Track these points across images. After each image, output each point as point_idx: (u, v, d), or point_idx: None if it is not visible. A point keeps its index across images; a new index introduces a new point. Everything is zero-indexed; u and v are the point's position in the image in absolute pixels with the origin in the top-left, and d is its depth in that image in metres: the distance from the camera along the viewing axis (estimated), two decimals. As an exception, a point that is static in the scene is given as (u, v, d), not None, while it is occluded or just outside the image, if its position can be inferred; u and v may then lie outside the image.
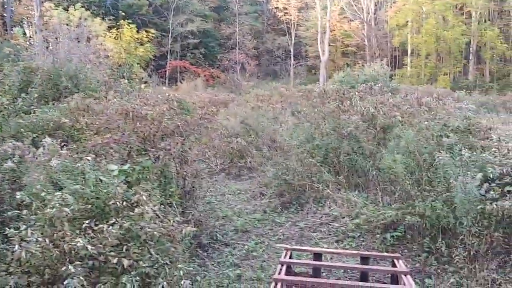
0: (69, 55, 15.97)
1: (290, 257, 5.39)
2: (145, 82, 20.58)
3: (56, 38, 16.31)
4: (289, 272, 5.25)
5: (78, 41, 17.79)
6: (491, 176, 4.63)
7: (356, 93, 8.38)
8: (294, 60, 47.71)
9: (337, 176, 7.78)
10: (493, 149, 4.90)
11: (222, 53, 48.24)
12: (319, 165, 8.06)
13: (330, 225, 6.94)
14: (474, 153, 5.12)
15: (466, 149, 5.27)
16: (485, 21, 42.04)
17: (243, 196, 9.32)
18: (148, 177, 5.24)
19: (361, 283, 4.56)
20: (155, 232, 4.07)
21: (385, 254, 5.43)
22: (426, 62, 42.14)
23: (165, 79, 42.01)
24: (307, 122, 9.60)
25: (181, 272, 3.92)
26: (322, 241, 6.53)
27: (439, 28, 39.96)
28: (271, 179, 8.62)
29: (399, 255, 5.31)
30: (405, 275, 4.63)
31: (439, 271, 5.41)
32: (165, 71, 42.81)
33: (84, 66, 16.23)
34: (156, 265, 3.92)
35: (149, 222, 4.24)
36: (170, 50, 45.75)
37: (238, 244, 6.56)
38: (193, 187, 6.39)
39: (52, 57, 14.91)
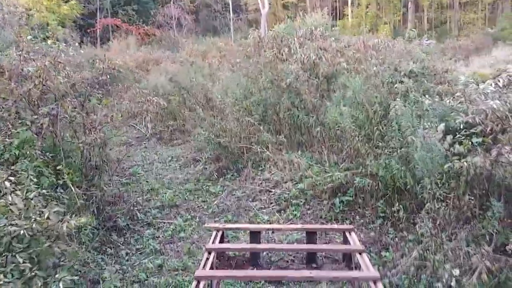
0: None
1: (222, 238, 4.43)
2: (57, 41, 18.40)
3: None
4: (221, 258, 4.30)
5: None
6: (457, 127, 3.80)
7: (295, 39, 7.34)
8: (234, 14, 45.68)
9: (278, 136, 6.81)
10: (458, 94, 4.07)
11: (156, 8, 45.28)
12: (257, 124, 7.04)
13: (271, 192, 6.02)
14: (436, 100, 4.26)
15: (425, 96, 4.41)
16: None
17: (175, 163, 8.20)
18: (29, 153, 4.01)
19: (306, 273, 3.67)
20: (22, 231, 2.93)
21: (335, 226, 4.58)
22: (367, 12, 41.67)
23: (96, 39, 38.99)
24: (243, 77, 8.50)
25: (61, 285, 2.83)
26: (262, 212, 5.61)
27: (378, -24, 39.32)
28: (204, 143, 7.52)
29: (351, 226, 4.48)
30: (360, 254, 3.81)
31: (397, 240, 4.66)
32: (95, 30, 39.65)
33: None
34: (23, 278, 2.80)
35: (19, 217, 3.10)
36: (100, 7, 42.32)
37: (164, 223, 5.51)
38: (104, 160, 5.18)
39: None
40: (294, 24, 10.20)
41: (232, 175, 6.94)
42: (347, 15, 44.44)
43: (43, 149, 4.25)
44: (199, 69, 11.83)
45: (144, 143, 10.15)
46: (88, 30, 40.48)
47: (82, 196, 4.41)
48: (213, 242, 4.18)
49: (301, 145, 6.86)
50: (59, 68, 4.74)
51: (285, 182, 6.02)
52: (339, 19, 45.17)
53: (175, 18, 39.81)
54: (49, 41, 7.78)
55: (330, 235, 4.95)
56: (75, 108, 4.47)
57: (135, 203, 6.02)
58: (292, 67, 6.70)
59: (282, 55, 7.18)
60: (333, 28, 10.79)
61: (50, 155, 4.16)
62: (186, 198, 6.34)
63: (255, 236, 4.38)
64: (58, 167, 4.36)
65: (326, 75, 6.78)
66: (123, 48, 30.86)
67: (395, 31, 39.26)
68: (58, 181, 4.13)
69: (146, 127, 11.17)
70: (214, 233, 4.33)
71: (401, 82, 5.30)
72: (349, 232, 4.33)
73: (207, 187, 6.68)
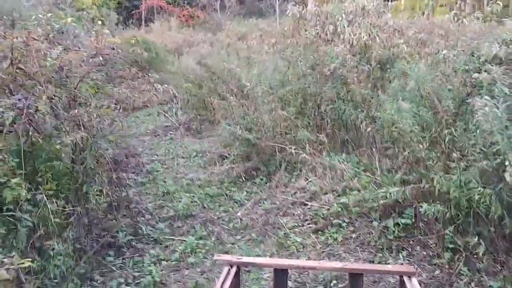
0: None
1: (237, 275, 3.35)
2: (102, 22, 17.83)
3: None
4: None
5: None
6: None
7: (343, 15, 6.05)
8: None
9: (318, 133, 5.62)
10: None
11: (201, -11, 44.44)
12: (293, 119, 5.88)
13: (307, 205, 4.87)
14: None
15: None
16: None
17: (199, 159, 7.20)
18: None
19: None
20: None
21: (388, 267, 3.37)
22: (422, -7, 38.93)
23: (141, 21, 38.81)
24: (281, 60, 7.32)
25: None
26: (295, 232, 4.48)
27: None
28: (229, 139, 6.46)
29: (412, 268, 3.28)
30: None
31: (473, 285, 3.43)
32: (140, 12, 39.46)
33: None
34: None
35: None
36: (146, -12, 42.12)
37: (173, 240, 4.50)
38: (98, 161, 4.18)
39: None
40: (342, 5, 8.76)
41: (261, 179, 5.84)
42: (401, -3, 41.80)
43: (10, 152, 3.31)
44: (234, 51, 10.71)
45: (171, 133, 9.23)
46: (133, 12, 40.45)
47: (62, 212, 3.46)
48: (223, 283, 3.10)
49: (346, 146, 5.65)
50: (42, 47, 3.76)
51: (325, 194, 4.85)
52: (391, 1, 42.64)
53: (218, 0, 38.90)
54: (69, 19, 6.89)
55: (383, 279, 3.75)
56: (51, 99, 3.47)
57: (144, 211, 5.07)
58: (337, 49, 5.46)
59: (327, 34, 5.93)
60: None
61: (16, 160, 3.20)
62: (205, 206, 5.30)
63: (281, 276, 3.27)
64: (36, 176, 3.45)
65: (380, 60, 5.49)
66: (164, 30, 30.37)
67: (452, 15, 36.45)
68: (32, 193, 3.19)
69: (176, 116, 10.26)
70: (226, 269, 3.25)
71: (482, 71, 3.96)
72: (409, 277, 3.13)
73: (231, 192, 5.62)
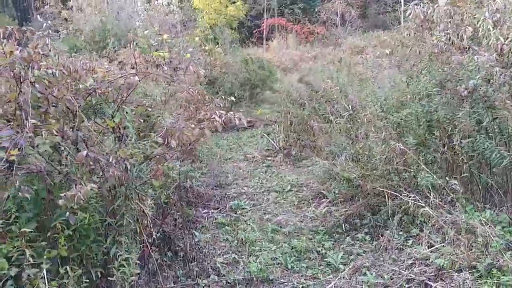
0: (119, 12, 13.88)
1: None
2: (217, 43, 17.78)
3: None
4: None
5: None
6: None
7: (487, 13, 4.36)
8: (405, 5, 41.12)
9: (449, 176, 4.02)
10: None
11: (321, 5, 43.85)
12: (413, 153, 4.35)
13: (429, 286, 3.33)
14: None
15: None
16: None
17: (293, 196, 5.99)
18: None
19: None
20: None
21: None
22: None
23: (262, 39, 39.32)
24: (400, 75, 5.82)
25: None
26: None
27: None
28: (322, 177, 5.14)
29: None
30: None
31: None
32: (261, 30, 40.04)
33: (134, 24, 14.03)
34: None
35: None
36: (267, 8, 42.71)
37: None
38: (124, 216, 3.18)
39: (99, 17, 12.92)
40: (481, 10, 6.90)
41: (366, 233, 4.41)
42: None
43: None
44: (346, 66, 9.35)
45: (269, 159, 8.17)
46: (255, 31, 41.31)
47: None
48: None
49: (492, 196, 3.95)
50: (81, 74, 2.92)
51: (458, 272, 3.26)
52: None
53: (338, 14, 37.65)
54: (165, 36, 6.32)
55: None
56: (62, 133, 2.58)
57: (210, 268, 4.01)
58: (480, 59, 3.84)
59: (462, 39, 4.32)
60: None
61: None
62: (289, 266, 4.05)
63: None
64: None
65: (547, 73, 3.74)
66: (282, 47, 30.18)
67: None
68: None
69: (278, 139, 9.20)
70: None
71: None
72: None
73: (323, 250, 4.28)
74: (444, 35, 4.57)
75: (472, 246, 3.39)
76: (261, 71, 16.44)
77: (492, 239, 3.32)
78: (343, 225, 4.69)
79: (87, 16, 13.26)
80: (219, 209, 5.75)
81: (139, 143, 2.95)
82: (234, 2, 37.84)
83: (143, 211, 2.97)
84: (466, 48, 4.50)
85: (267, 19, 43.49)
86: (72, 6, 13.68)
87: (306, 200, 5.70)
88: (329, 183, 5.64)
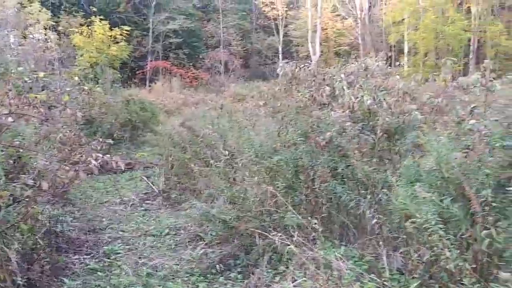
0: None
1: None
2: (97, 82, 17.35)
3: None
4: None
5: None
6: None
7: (342, 75, 5.14)
8: (283, 60, 44.46)
9: (311, 216, 4.49)
10: None
11: (206, 52, 45.27)
12: (281, 195, 4.78)
13: (293, 319, 3.66)
14: None
15: None
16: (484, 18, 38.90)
17: (171, 239, 6.04)
18: None
19: None
20: None
21: None
22: (425, 60, 38.95)
23: (146, 80, 38.98)
24: (273, 123, 6.37)
25: None
26: None
27: (439, 24, 36.84)
28: (200, 219, 5.35)
29: None
30: None
31: None
32: (144, 72, 39.73)
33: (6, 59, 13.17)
34: None
35: None
36: (152, 50, 42.73)
37: None
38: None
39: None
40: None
41: (239, 272, 4.66)
42: (403, 64, 41.97)
43: None
44: (227, 113, 9.82)
45: (148, 203, 8.12)
46: (137, 72, 40.89)
47: None
48: None
49: (346, 233, 4.50)
50: None
51: (318, 303, 3.65)
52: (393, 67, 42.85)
53: (221, 62, 39.27)
54: (41, 74, 6.17)
55: None
56: None
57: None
58: (335, 115, 4.48)
59: (322, 96, 4.99)
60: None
61: None
62: (162, 311, 4.08)
63: None
64: None
65: (387, 129, 4.49)
66: (166, 90, 30.28)
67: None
68: None
69: (158, 182, 9.19)
70: None
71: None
72: None
73: (198, 290, 4.41)
74: (308, 92, 5.23)
75: (329, 279, 3.80)
76: (143, 112, 16.35)
77: (345, 272, 3.78)
78: (217, 266, 4.87)
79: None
80: (91, 255, 5.55)
81: (8, 184, 2.86)
82: (117, 42, 37.09)
83: (8, 257, 2.83)
84: (326, 104, 5.18)
85: (151, 61, 43.43)
86: None
87: (184, 243, 5.80)
88: (206, 225, 5.83)
